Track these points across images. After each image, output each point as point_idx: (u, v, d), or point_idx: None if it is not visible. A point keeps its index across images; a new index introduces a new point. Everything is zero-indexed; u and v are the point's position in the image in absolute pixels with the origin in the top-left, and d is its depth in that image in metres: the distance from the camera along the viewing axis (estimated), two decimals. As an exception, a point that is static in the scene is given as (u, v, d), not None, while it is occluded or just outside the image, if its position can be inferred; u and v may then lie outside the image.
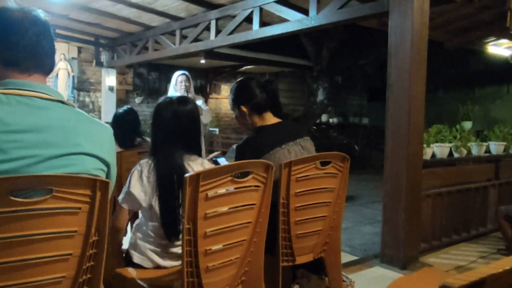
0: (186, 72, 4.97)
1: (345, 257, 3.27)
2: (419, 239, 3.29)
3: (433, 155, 3.64)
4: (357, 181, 7.73)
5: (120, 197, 1.89)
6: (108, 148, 1.34)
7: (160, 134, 1.92)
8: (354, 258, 3.45)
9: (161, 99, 1.96)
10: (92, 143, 1.26)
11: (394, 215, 3.16)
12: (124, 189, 1.88)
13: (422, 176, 3.25)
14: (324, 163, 2.05)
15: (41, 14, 1.28)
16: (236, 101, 2.21)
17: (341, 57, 7.13)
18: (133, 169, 1.91)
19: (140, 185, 1.84)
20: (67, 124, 1.23)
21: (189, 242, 1.58)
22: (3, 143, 1.11)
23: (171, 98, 1.94)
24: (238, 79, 2.39)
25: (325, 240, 2.14)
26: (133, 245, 1.91)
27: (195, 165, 1.89)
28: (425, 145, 3.43)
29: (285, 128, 2.22)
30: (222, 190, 1.66)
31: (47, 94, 1.23)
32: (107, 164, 1.32)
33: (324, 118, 10.77)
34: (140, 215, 2.02)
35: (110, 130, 1.37)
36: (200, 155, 1.97)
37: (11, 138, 1.13)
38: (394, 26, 3.09)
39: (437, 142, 3.70)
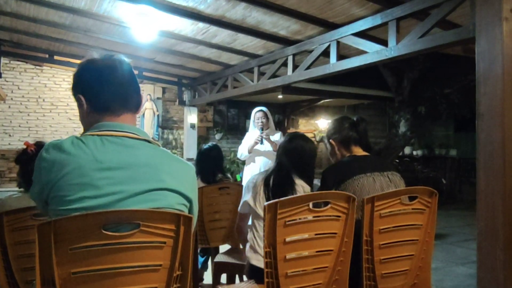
0: (264, 109, 5.07)
1: (436, 301, 3.03)
2: (522, 283, 2.95)
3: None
4: (447, 217, 7.24)
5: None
6: (191, 185, 1.39)
7: (286, 157, 2.30)
8: (446, 302, 3.19)
9: (292, 133, 2.46)
10: (175, 180, 1.32)
11: (491, 256, 2.87)
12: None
13: (522, 213, 2.94)
14: (410, 199, 1.95)
15: (120, 59, 1.40)
16: (327, 136, 2.46)
17: (424, 86, 6.84)
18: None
19: (252, 191, 2.28)
20: (152, 161, 1.30)
21: (269, 264, 1.63)
22: (97, 180, 1.20)
23: (302, 135, 2.42)
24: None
25: (413, 281, 2.01)
26: (250, 249, 2.27)
27: (298, 184, 2.22)
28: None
29: (373, 160, 2.28)
30: (302, 218, 1.70)
31: (134, 134, 1.32)
32: (189, 200, 1.37)
33: (407, 150, 10.32)
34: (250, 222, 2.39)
35: (192, 168, 1.43)
36: (309, 182, 2.29)
37: (104, 175, 1.21)
38: (482, 52, 2.92)
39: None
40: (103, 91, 1.34)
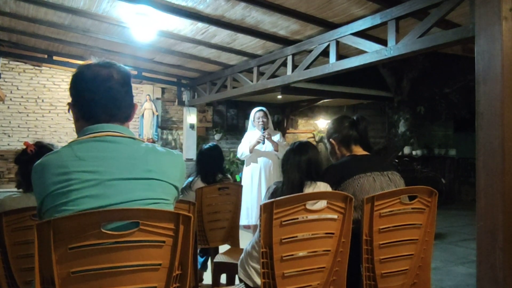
0: (264, 108, 5.07)
1: (436, 300, 3.03)
2: (521, 282, 2.94)
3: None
4: (446, 217, 7.24)
5: None
6: (180, 174, 1.42)
7: (292, 167, 2.15)
8: (446, 301, 3.18)
9: (299, 142, 2.33)
10: (162, 171, 1.34)
11: (491, 255, 2.87)
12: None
13: (521, 212, 2.94)
14: (409, 198, 1.95)
15: (118, 68, 1.40)
16: (327, 135, 2.42)
17: (423, 86, 6.84)
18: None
19: None
20: (137, 154, 1.32)
21: (266, 265, 1.64)
22: (79, 174, 1.21)
23: (308, 142, 2.32)
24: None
25: (413, 281, 2.00)
26: (242, 262, 2.17)
27: (308, 189, 2.10)
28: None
29: (373, 159, 2.27)
30: (299, 218, 1.71)
31: (118, 133, 1.34)
32: (176, 188, 1.39)
33: (406, 150, 10.32)
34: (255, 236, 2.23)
35: (180, 157, 1.44)
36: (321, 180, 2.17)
37: (87, 169, 1.23)
38: (481, 52, 2.92)
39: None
40: (90, 103, 1.35)
